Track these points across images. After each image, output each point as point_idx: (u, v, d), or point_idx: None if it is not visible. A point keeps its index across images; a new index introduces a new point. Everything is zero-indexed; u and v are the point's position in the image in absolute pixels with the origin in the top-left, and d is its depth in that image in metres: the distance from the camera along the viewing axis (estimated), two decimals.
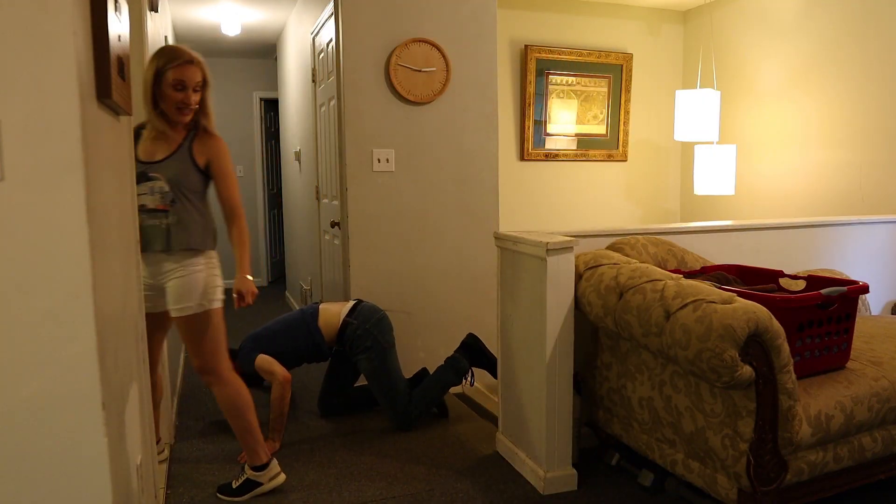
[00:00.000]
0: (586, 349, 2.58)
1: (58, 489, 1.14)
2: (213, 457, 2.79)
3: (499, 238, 2.63)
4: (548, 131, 4.92)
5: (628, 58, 5.05)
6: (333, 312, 3.12)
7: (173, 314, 2.31)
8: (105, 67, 1.28)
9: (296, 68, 5.21)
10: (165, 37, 4.24)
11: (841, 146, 4.04)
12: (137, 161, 2.20)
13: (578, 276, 2.40)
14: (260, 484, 2.43)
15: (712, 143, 4.54)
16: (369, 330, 3.04)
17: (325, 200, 4.14)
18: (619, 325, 2.20)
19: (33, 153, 1.07)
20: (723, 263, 2.76)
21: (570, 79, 4.92)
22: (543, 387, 2.40)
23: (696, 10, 5.13)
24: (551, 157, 4.95)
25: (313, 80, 4.26)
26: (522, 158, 4.88)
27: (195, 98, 2.28)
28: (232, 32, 5.56)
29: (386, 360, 3.04)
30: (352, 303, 3.16)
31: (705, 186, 4.36)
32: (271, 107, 7.33)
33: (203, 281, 2.31)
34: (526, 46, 4.76)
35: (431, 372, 3.26)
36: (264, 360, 2.97)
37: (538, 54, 4.79)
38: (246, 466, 2.45)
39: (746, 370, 1.84)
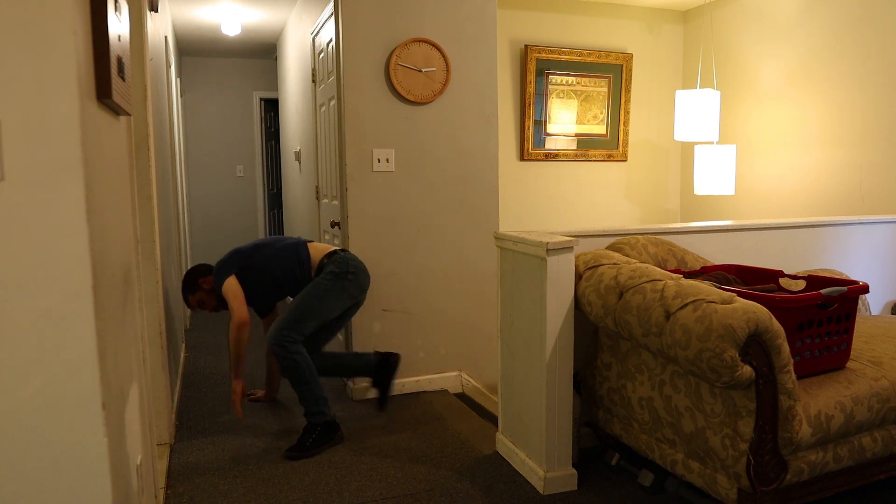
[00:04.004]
0: (586, 349, 2.58)
1: (58, 489, 1.14)
2: (213, 457, 2.79)
3: (499, 238, 2.63)
4: (548, 131, 4.92)
5: (628, 58, 5.05)
6: (327, 246, 3.16)
7: None
8: (105, 67, 1.28)
9: (296, 68, 5.21)
10: (165, 37, 4.24)
11: (841, 146, 4.04)
12: None
13: (578, 276, 2.40)
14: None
15: (712, 143, 4.54)
16: (349, 267, 3.01)
17: (325, 200, 4.14)
18: (619, 325, 2.20)
19: (33, 153, 1.07)
20: (723, 263, 2.76)
21: (570, 79, 4.93)
22: (543, 387, 2.40)
23: (696, 10, 5.13)
24: (551, 157, 4.95)
25: (313, 80, 4.26)
26: (522, 158, 4.88)
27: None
28: (232, 32, 5.56)
29: (332, 293, 2.97)
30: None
31: (705, 186, 4.37)
32: (271, 107, 7.33)
33: None
34: (526, 46, 4.76)
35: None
36: (231, 288, 2.94)
37: (538, 54, 4.79)
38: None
39: (746, 370, 1.84)
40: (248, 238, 7.20)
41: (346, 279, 3.00)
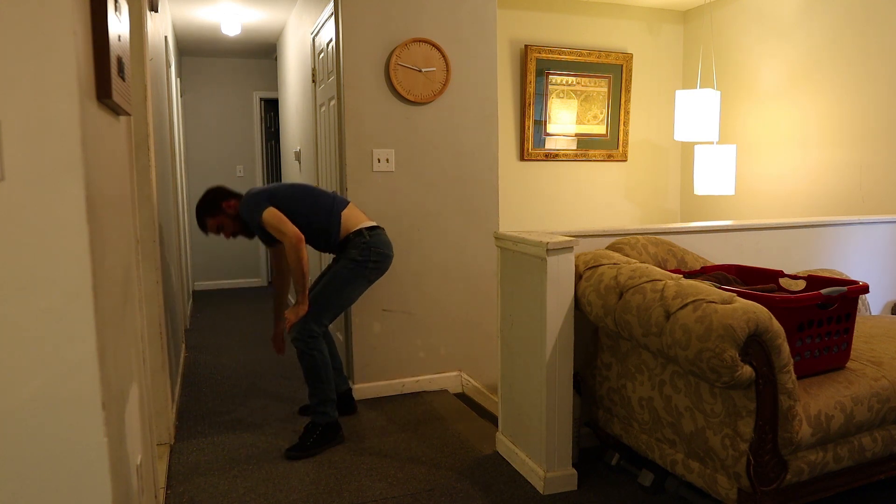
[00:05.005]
0: (586, 349, 2.58)
1: (58, 489, 1.14)
2: (213, 457, 2.79)
3: (499, 238, 2.63)
4: (548, 131, 4.92)
5: (628, 58, 5.05)
6: (360, 216, 3.00)
7: None
8: (105, 67, 1.28)
9: (296, 68, 5.21)
10: (165, 37, 4.24)
11: (841, 146, 4.04)
12: None
13: (578, 276, 2.40)
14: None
15: (712, 143, 4.54)
16: (371, 255, 2.92)
17: None
18: (619, 325, 2.20)
19: (33, 153, 1.07)
20: (723, 263, 2.76)
21: (570, 79, 4.93)
22: (543, 387, 2.40)
23: (696, 10, 5.13)
24: (551, 157, 4.95)
25: (313, 80, 4.26)
26: (522, 158, 4.88)
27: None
28: (232, 32, 5.56)
29: (352, 283, 2.91)
30: (375, 223, 3.03)
31: (705, 186, 4.37)
32: (271, 107, 7.33)
33: None
34: (526, 46, 4.76)
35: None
36: (273, 216, 2.80)
37: (538, 54, 4.79)
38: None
39: (746, 370, 1.84)
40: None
41: (367, 268, 2.93)
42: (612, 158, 5.13)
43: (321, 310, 2.89)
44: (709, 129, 4.29)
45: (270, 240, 3.04)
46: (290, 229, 2.78)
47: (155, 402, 2.70)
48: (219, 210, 3.00)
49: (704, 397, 2.01)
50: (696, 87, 5.01)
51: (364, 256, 2.91)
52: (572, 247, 2.35)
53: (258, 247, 7.27)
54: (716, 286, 2.15)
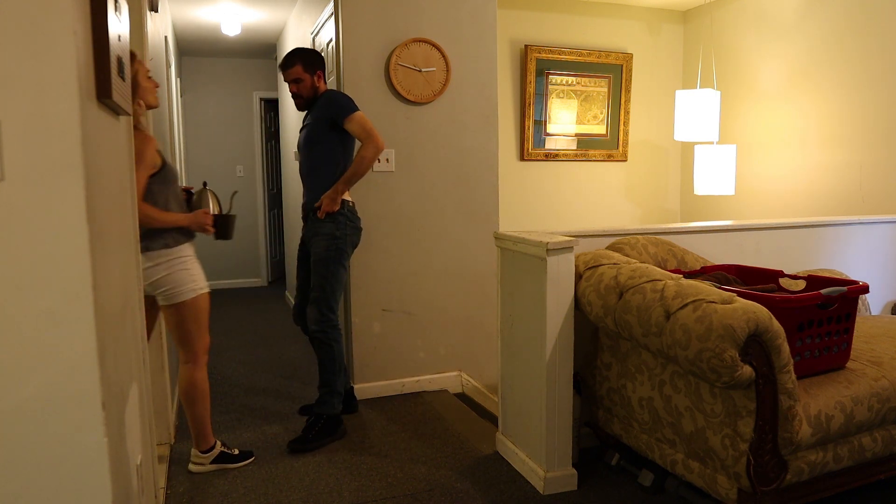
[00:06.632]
0: (586, 349, 2.58)
1: (58, 489, 1.14)
2: None
3: (499, 238, 2.63)
4: (548, 131, 4.92)
5: (628, 58, 5.05)
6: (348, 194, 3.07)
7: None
8: (105, 67, 1.28)
9: None
10: (165, 37, 4.24)
11: (841, 146, 4.04)
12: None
13: (578, 276, 2.40)
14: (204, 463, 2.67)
15: (712, 143, 4.54)
16: (348, 229, 2.98)
17: None
18: (619, 325, 2.20)
19: (33, 153, 1.07)
20: (723, 263, 2.76)
21: (570, 79, 4.92)
22: (543, 387, 2.40)
23: (696, 10, 5.13)
24: (551, 157, 4.95)
25: None
26: (522, 158, 4.88)
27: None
28: (232, 32, 5.56)
29: (339, 260, 2.94)
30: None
31: (705, 186, 4.36)
32: (271, 107, 7.33)
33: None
34: (526, 46, 4.76)
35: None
36: (366, 119, 2.90)
37: (538, 54, 4.79)
38: (195, 451, 2.66)
39: (746, 370, 1.84)
40: (248, 237, 7.20)
41: (346, 242, 2.98)
42: (612, 158, 5.13)
43: (328, 295, 2.93)
44: (709, 129, 4.29)
45: (319, 132, 2.99)
46: (379, 135, 2.89)
47: (155, 402, 2.70)
48: (312, 70, 2.97)
49: (704, 397, 2.01)
50: (696, 87, 5.00)
51: (341, 231, 2.96)
52: (572, 247, 2.35)
53: (258, 247, 7.27)
54: (716, 286, 2.15)
